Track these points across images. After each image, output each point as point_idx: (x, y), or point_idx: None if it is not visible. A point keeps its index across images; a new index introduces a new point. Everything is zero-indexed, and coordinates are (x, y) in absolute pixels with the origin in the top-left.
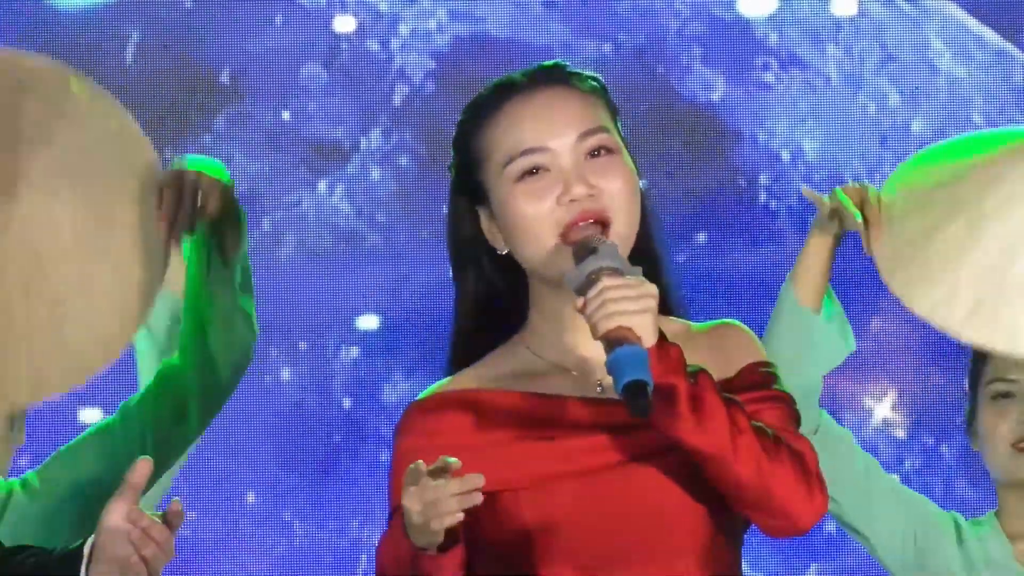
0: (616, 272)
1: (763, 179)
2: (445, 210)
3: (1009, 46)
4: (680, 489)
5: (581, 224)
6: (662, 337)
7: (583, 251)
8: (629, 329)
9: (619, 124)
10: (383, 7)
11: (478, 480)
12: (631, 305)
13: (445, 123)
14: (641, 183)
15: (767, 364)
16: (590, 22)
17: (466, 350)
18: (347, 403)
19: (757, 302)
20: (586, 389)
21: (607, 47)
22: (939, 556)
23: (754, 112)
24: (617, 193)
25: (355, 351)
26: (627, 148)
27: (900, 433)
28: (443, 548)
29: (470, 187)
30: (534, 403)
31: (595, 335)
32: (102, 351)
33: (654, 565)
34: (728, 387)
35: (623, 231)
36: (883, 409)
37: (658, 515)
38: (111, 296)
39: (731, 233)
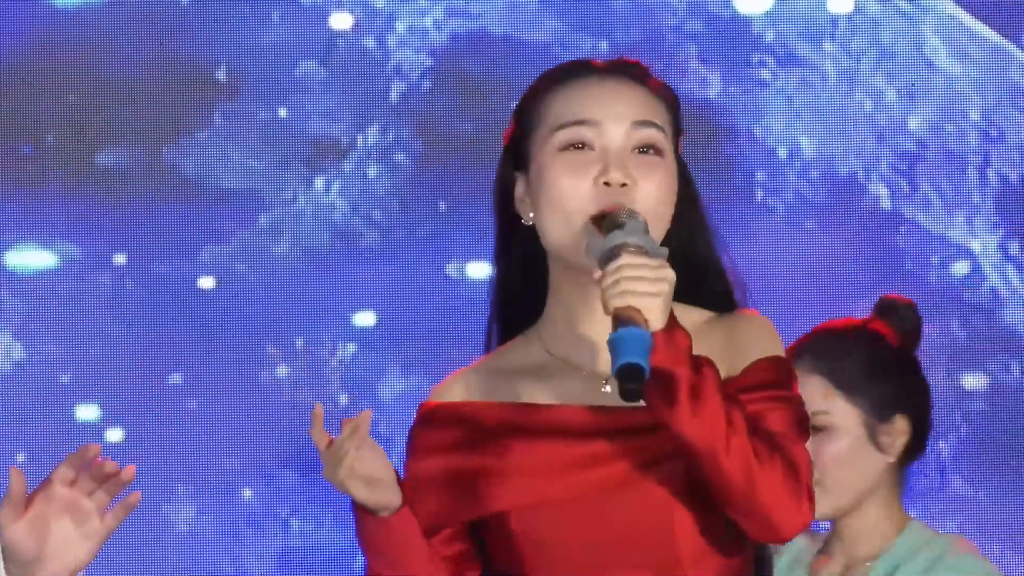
0: (640, 250)
1: (759, 176)
2: (443, 208)
3: (1006, 43)
4: (679, 501)
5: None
6: (673, 323)
7: (611, 225)
8: (638, 310)
9: (679, 143)
10: (380, 4)
11: (364, 416)
12: (646, 286)
13: (442, 120)
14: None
15: (780, 360)
16: (586, 19)
17: (502, 327)
18: (344, 400)
19: (753, 300)
20: (592, 391)
21: (603, 44)
22: None
23: (750, 109)
24: (649, 194)
25: (352, 348)
26: (684, 169)
27: None
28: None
29: (516, 153)
30: (525, 416)
31: (605, 311)
32: None
33: (646, 572)
34: (737, 383)
35: (651, 227)
36: None
37: (654, 527)
38: None
39: (727, 230)
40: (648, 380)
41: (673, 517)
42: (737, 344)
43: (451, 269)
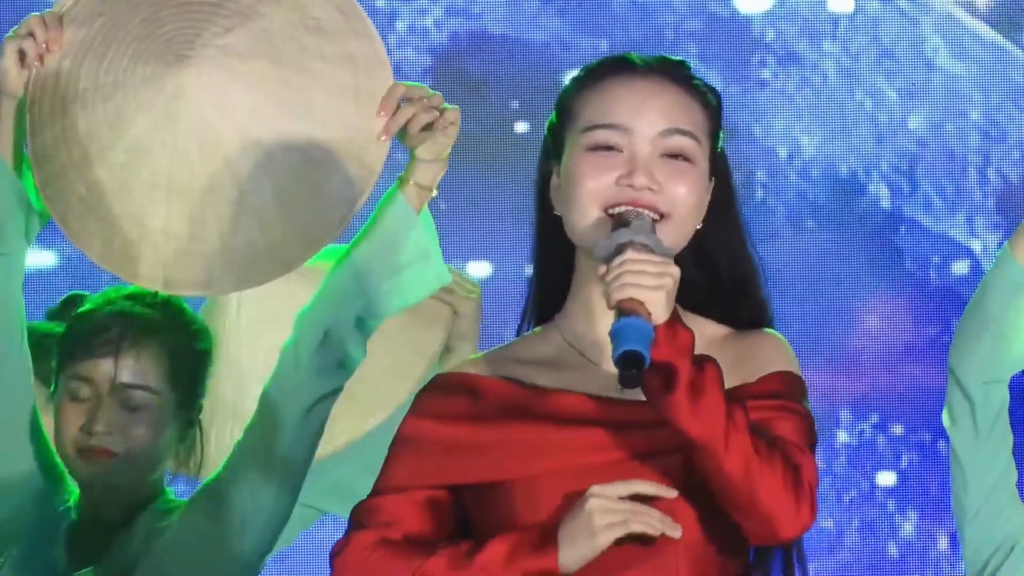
0: (645, 248)
1: (760, 175)
2: (443, 208)
3: (1006, 42)
4: (677, 493)
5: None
6: (676, 319)
7: (618, 223)
8: (641, 303)
9: (720, 144)
10: (380, 3)
11: (671, 493)
12: (648, 280)
13: None
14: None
15: (795, 377)
16: (587, 18)
17: (537, 310)
18: None
19: None
20: (602, 383)
21: (603, 43)
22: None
23: (751, 109)
24: (677, 199)
25: None
26: (724, 170)
27: (897, 431)
28: None
29: (553, 144)
30: (533, 397)
31: (608, 304)
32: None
33: (647, 568)
34: (749, 390)
35: (670, 232)
36: (881, 406)
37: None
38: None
39: None
40: (648, 372)
41: (664, 509)
42: (753, 358)
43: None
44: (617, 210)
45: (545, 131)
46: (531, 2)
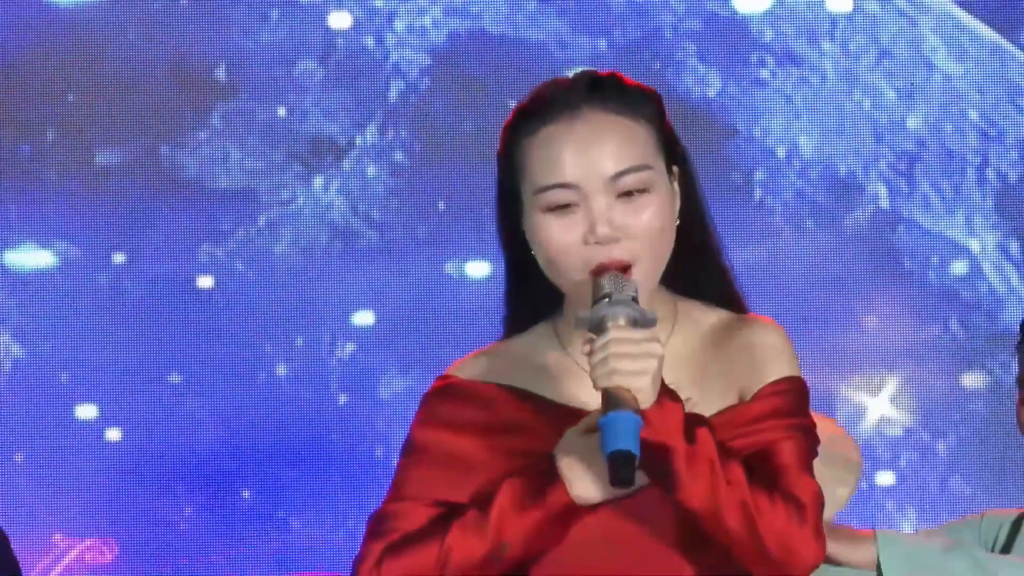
0: (628, 320)
1: (758, 175)
2: (442, 207)
3: (1004, 42)
4: (678, 514)
5: (607, 265)
6: (665, 394)
7: (599, 296)
8: (627, 390)
9: (666, 138)
10: (378, 3)
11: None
12: (632, 364)
13: (440, 119)
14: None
15: (796, 382)
16: (586, 18)
17: (518, 315)
18: (343, 399)
19: (752, 300)
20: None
21: (602, 43)
22: None
23: (749, 108)
24: (643, 231)
25: (351, 347)
26: (681, 156)
27: (896, 431)
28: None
29: (511, 190)
30: (541, 410)
31: (595, 387)
32: None
33: None
34: (748, 414)
35: (647, 268)
36: (880, 407)
37: (656, 536)
38: None
39: (726, 229)
40: (643, 451)
41: (668, 528)
42: (754, 358)
43: (450, 268)
44: (596, 281)
45: (498, 171)
46: (530, 2)
